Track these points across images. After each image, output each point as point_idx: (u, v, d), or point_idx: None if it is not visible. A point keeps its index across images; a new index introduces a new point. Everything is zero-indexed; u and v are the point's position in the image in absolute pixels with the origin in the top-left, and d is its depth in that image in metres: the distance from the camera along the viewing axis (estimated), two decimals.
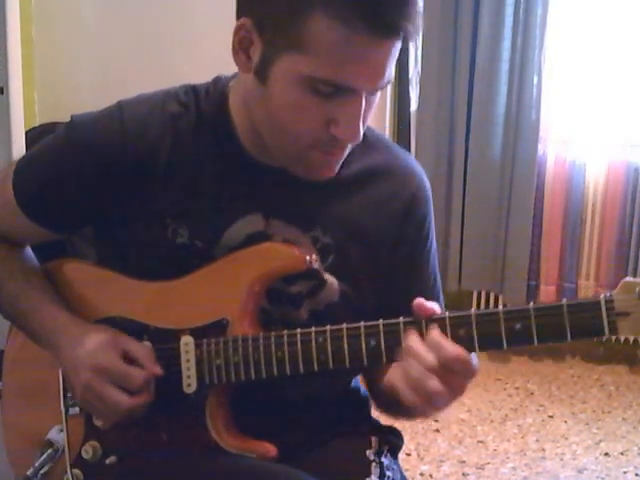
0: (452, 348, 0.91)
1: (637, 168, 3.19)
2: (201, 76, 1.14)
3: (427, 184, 1.16)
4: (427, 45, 3.30)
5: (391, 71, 0.95)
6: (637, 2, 3.13)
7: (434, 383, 0.90)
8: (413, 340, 0.93)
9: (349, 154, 1.04)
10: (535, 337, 0.90)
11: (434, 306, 0.95)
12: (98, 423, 1.10)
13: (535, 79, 3.17)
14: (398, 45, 0.93)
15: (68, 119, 1.12)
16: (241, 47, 0.97)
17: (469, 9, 3.21)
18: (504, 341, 0.91)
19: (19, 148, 1.50)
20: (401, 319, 0.96)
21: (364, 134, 1.03)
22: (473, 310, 0.93)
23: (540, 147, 3.25)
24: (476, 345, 0.92)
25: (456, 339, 0.92)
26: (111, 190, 1.07)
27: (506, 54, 3.20)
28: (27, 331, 1.14)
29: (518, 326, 0.90)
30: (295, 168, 1.03)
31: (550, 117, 3.26)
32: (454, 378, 0.92)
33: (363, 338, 0.96)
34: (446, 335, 0.93)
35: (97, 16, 2.07)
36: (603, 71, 3.19)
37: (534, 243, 3.33)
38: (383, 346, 0.96)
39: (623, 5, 3.14)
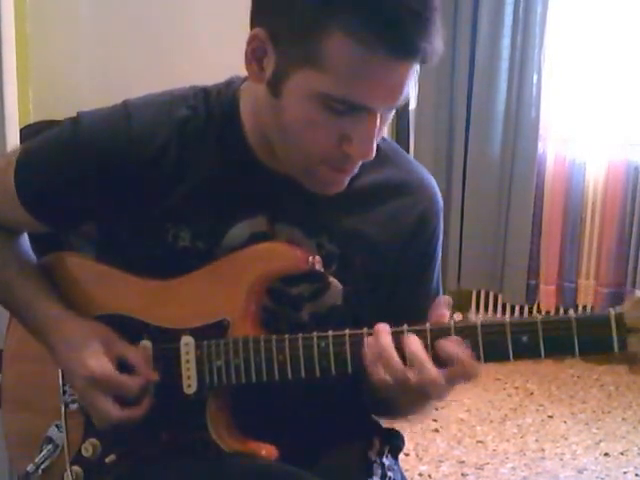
0: (434, 370, 0.91)
1: (637, 167, 3.18)
2: (200, 73, 1.13)
3: (439, 198, 1.14)
4: None
5: (408, 90, 0.93)
6: (637, 2, 3.12)
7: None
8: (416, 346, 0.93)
9: (362, 166, 1.02)
10: (542, 350, 0.89)
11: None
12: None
13: (535, 77, 3.17)
14: (416, 66, 0.91)
15: (63, 117, 1.11)
16: (254, 57, 0.95)
17: (468, 7, 3.20)
18: (510, 353, 0.91)
19: (13, 146, 1.49)
20: (405, 327, 0.95)
21: (378, 145, 1.01)
22: (479, 321, 0.93)
23: (540, 145, 3.24)
24: (482, 356, 0.92)
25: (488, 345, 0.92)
26: (113, 192, 1.06)
27: (506, 52, 3.19)
28: (21, 321, 1.13)
29: (525, 339, 0.90)
30: (302, 181, 1.02)
31: (550, 115, 3.25)
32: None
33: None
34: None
35: (93, 13, 2.06)
36: (603, 69, 3.18)
37: (534, 242, 3.32)
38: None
39: (623, 4, 3.13)
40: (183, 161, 1.05)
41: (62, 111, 1.19)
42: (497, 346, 0.91)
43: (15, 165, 1.12)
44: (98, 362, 1.02)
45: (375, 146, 0.95)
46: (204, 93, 1.07)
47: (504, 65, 3.20)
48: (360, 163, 1.00)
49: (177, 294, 1.07)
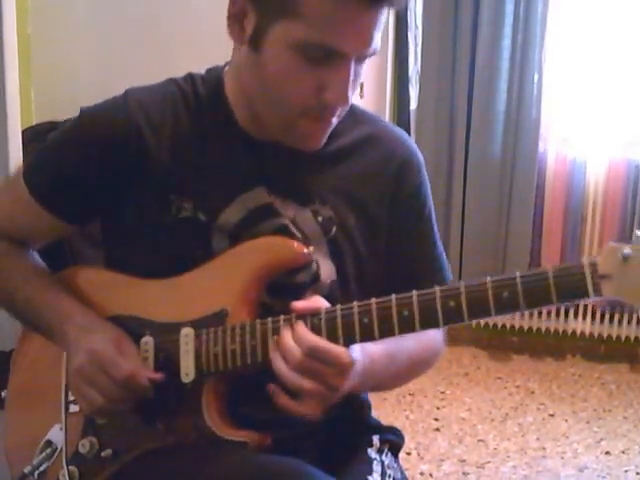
0: (312, 337, 0.96)
1: (638, 165, 3.19)
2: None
3: (417, 151, 1.20)
4: (427, 43, 3.29)
5: (378, 39, 1.00)
6: (637, 2, 3.12)
7: (304, 382, 0.96)
8: (283, 335, 0.98)
9: (339, 128, 1.09)
10: (522, 303, 0.92)
11: (312, 302, 1.00)
12: (99, 421, 1.10)
13: (535, 77, 3.17)
14: (384, 12, 0.98)
15: (65, 118, 1.13)
16: (236, 19, 1.02)
17: (469, 7, 3.20)
18: (492, 309, 0.93)
19: (15, 147, 1.50)
20: (393, 296, 0.97)
21: (352, 110, 1.09)
22: (462, 282, 0.95)
23: (541, 145, 3.24)
24: (465, 315, 0.94)
25: (446, 310, 0.94)
26: (115, 170, 1.09)
27: (506, 52, 3.19)
28: (41, 329, 1.15)
29: (506, 294, 0.92)
30: (285, 138, 1.07)
31: (551, 115, 3.26)
32: (324, 370, 0.96)
33: (357, 318, 0.97)
34: (441, 305, 0.94)
35: (95, 14, 2.06)
36: (604, 69, 3.18)
37: (535, 241, 3.33)
38: (376, 325, 0.97)
39: (623, 3, 3.14)
40: (178, 136, 1.10)
41: (64, 112, 1.20)
42: (480, 303, 0.93)
43: (23, 166, 1.16)
44: (103, 341, 1.05)
45: (350, 93, 1.01)
46: (191, 78, 1.15)
47: (505, 65, 3.21)
48: (337, 119, 1.06)
49: (179, 290, 1.09)
